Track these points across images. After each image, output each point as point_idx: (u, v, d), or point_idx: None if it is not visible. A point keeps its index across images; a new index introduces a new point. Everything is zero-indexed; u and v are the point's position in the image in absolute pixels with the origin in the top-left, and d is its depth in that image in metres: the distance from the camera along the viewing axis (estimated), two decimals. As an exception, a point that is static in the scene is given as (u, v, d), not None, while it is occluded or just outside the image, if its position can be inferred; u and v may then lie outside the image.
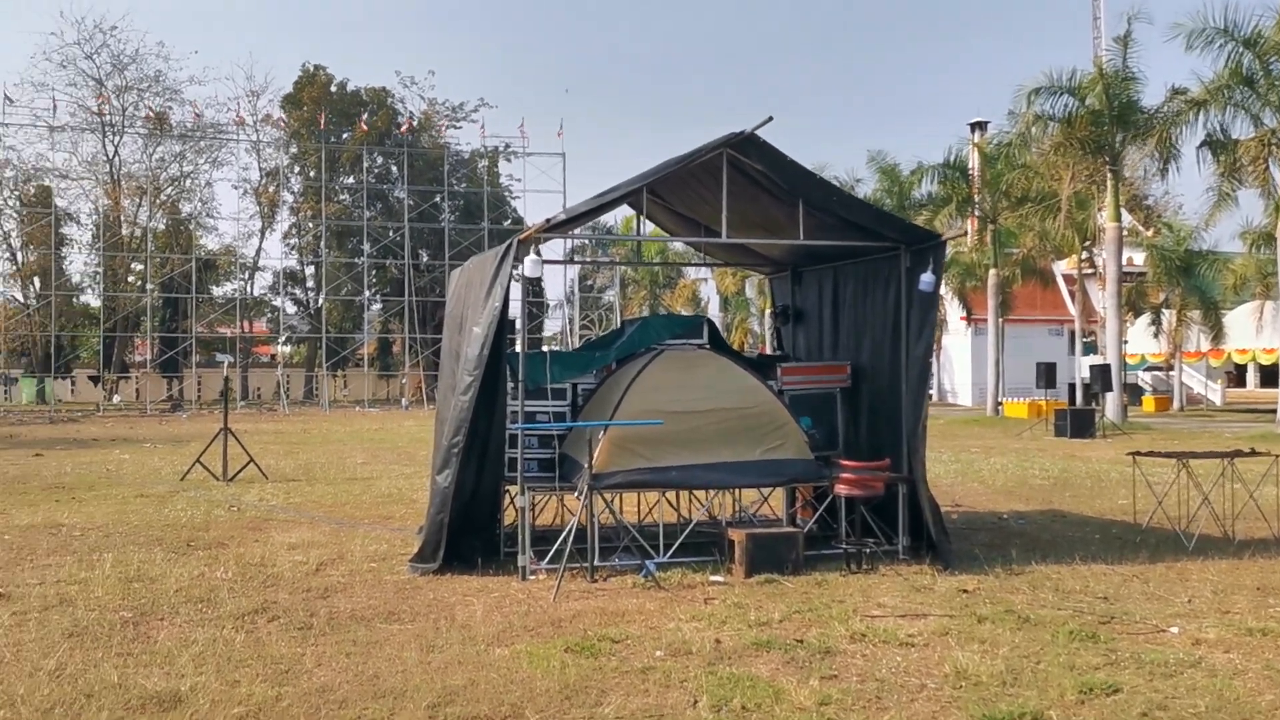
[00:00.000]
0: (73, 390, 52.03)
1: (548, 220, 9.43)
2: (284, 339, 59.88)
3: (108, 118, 52.25)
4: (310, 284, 58.56)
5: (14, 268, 52.89)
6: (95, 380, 51.38)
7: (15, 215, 52.67)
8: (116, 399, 49.94)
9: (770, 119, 9.22)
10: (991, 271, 38.19)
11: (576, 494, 9.30)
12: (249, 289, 56.83)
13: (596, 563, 9.04)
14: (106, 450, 23.87)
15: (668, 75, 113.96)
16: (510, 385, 9.66)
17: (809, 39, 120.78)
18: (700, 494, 10.87)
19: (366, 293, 54.26)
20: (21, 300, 53.02)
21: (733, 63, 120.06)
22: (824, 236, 10.19)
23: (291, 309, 60.02)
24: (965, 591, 8.35)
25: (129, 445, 25.42)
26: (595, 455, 9.03)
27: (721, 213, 9.73)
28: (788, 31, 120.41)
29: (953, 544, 9.80)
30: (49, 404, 46.66)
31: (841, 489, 9.68)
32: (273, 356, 64.57)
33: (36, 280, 52.19)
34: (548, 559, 9.19)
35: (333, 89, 56.60)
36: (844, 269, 11.36)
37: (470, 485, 9.43)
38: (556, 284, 61.50)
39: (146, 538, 11.16)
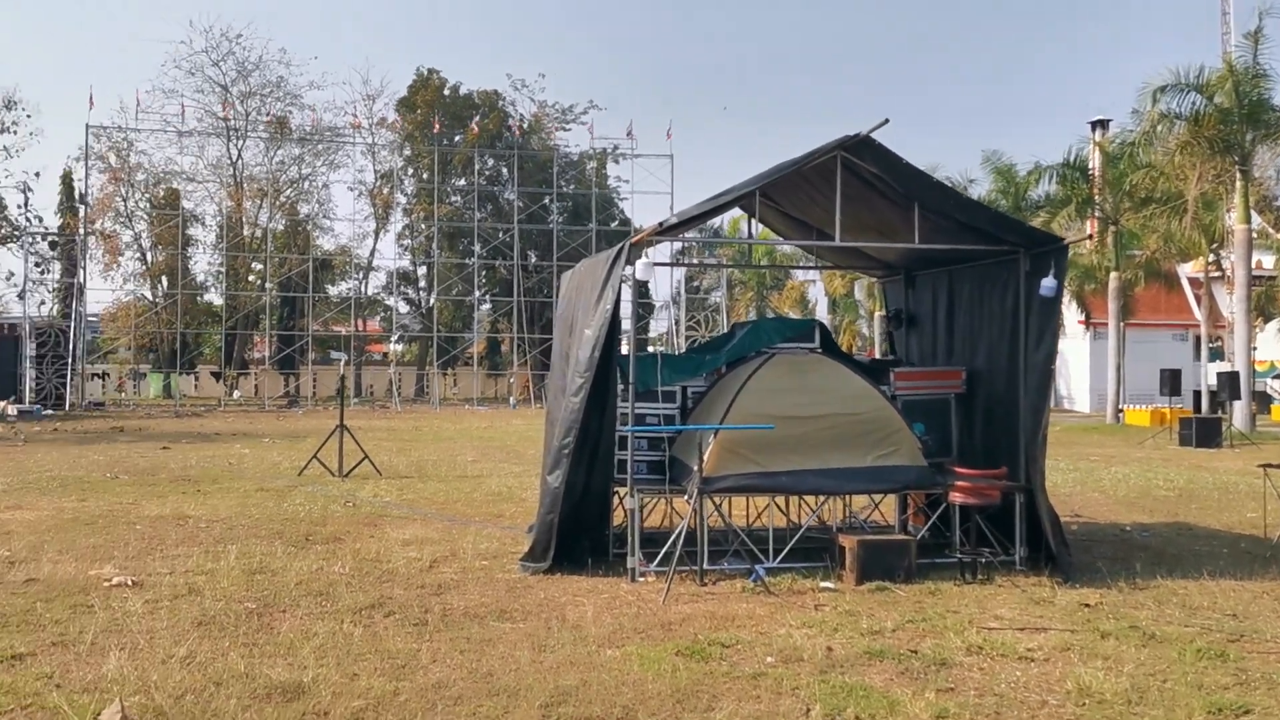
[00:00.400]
0: (196, 385, 53.93)
1: (660, 223, 9.44)
2: (396, 337, 61.20)
3: (232, 123, 54.04)
4: (422, 284, 59.65)
5: (144, 267, 55.02)
6: (217, 376, 53.19)
7: (146, 217, 54.80)
8: (236, 394, 51.64)
9: (886, 121, 9.10)
10: (1113, 274, 37.04)
11: (686, 497, 9.30)
12: (363, 288, 58.19)
13: (706, 566, 9.03)
14: (228, 444, 24.69)
15: (776, 73, 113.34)
16: (620, 387, 9.71)
17: (920, 35, 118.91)
18: (810, 499, 10.78)
19: (476, 293, 55.01)
20: (150, 298, 55.16)
21: (842, 60, 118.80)
22: (940, 240, 10.02)
23: (404, 308, 61.27)
24: (1087, 605, 8.12)
25: (249, 440, 26.24)
26: (705, 458, 9.03)
27: (834, 215, 9.63)
28: (898, 28, 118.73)
29: (1073, 556, 9.52)
30: (174, 398, 48.46)
31: (956, 497, 9.50)
32: (384, 355, 66.01)
33: (164, 279, 54.17)
34: (657, 561, 9.20)
35: (445, 92, 57.47)
36: (959, 272, 11.15)
37: (580, 486, 9.49)
38: (662, 285, 61.58)
39: (267, 531, 11.50)
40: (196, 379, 54.54)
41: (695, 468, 9.03)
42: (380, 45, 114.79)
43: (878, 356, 22.49)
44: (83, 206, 49.22)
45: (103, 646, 6.75)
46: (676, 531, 8.89)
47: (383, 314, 61.88)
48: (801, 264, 43.38)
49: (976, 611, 7.95)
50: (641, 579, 9.00)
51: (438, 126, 53.66)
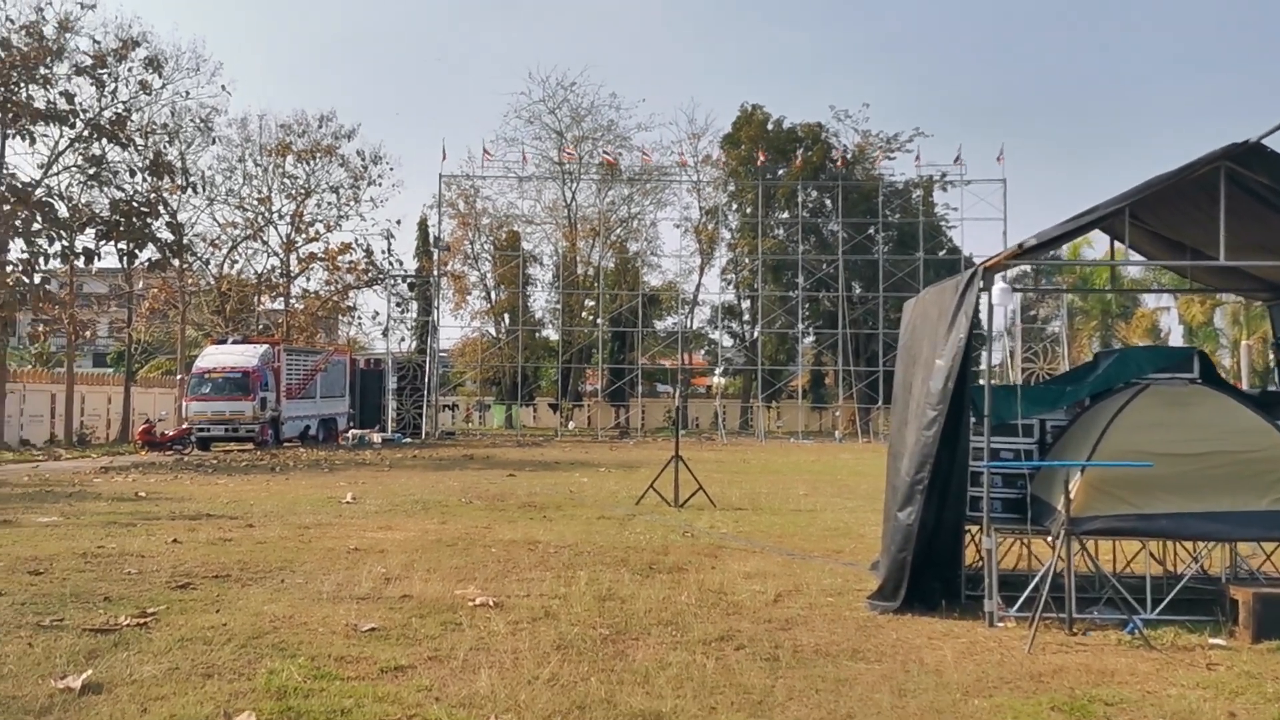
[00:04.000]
0: (534, 416, 57.04)
1: (1020, 245, 8.89)
2: (721, 370, 62.18)
3: (567, 166, 57.05)
4: (746, 317, 60.35)
5: (488, 305, 59.04)
6: (553, 407, 56.05)
7: (490, 258, 58.85)
8: (570, 425, 54.14)
9: (1282, 125, 8.15)
10: None
11: (1050, 538, 8.67)
12: (689, 323, 59.59)
13: (1075, 614, 8.34)
14: (567, 472, 25.76)
15: (1111, 86, 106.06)
16: (973, 420, 9.20)
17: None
18: (1188, 545, 9.78)
19: (800, 325, 54.99)
20: (494, 334, 59.08)
21: (1196, 69, 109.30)
22: (1348, 256, 8.87)
23: (728, 341, 62.23)
24: None
25: (585, 469, 27.28)
26: (1072, 497, 8.37)
27: (1214, 233, 8.74)
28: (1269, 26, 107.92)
29: None
30: (515, 428, 51.51)
31: (1376, 549, 8.31)
32: (709, 388, 67.24)
33: (506, 316, 57.92)
34: (1017, 606, 8.62)
35: (769, 127, 58.07)
36: (1369, 293, 9.83)
37: (932, 523, 9.05)
38: (995, 313, 58.97)
39: (612, 558, 11.75)
40: (535, 410, 57.67)
41: (1059, 507, 8.39)
42: (706, 84, 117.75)
43: (1244, 388, 20.35)
44: (436, 250, 53.42)
45: (473, 664, 7.04)
46: (1040, 574, 8.28)
47: (708, 347, 63.07)
48: (1153, 288, 40.23)
49: None
50: (1000, 624, 8.45)
51: (761, 161, 54.21)
